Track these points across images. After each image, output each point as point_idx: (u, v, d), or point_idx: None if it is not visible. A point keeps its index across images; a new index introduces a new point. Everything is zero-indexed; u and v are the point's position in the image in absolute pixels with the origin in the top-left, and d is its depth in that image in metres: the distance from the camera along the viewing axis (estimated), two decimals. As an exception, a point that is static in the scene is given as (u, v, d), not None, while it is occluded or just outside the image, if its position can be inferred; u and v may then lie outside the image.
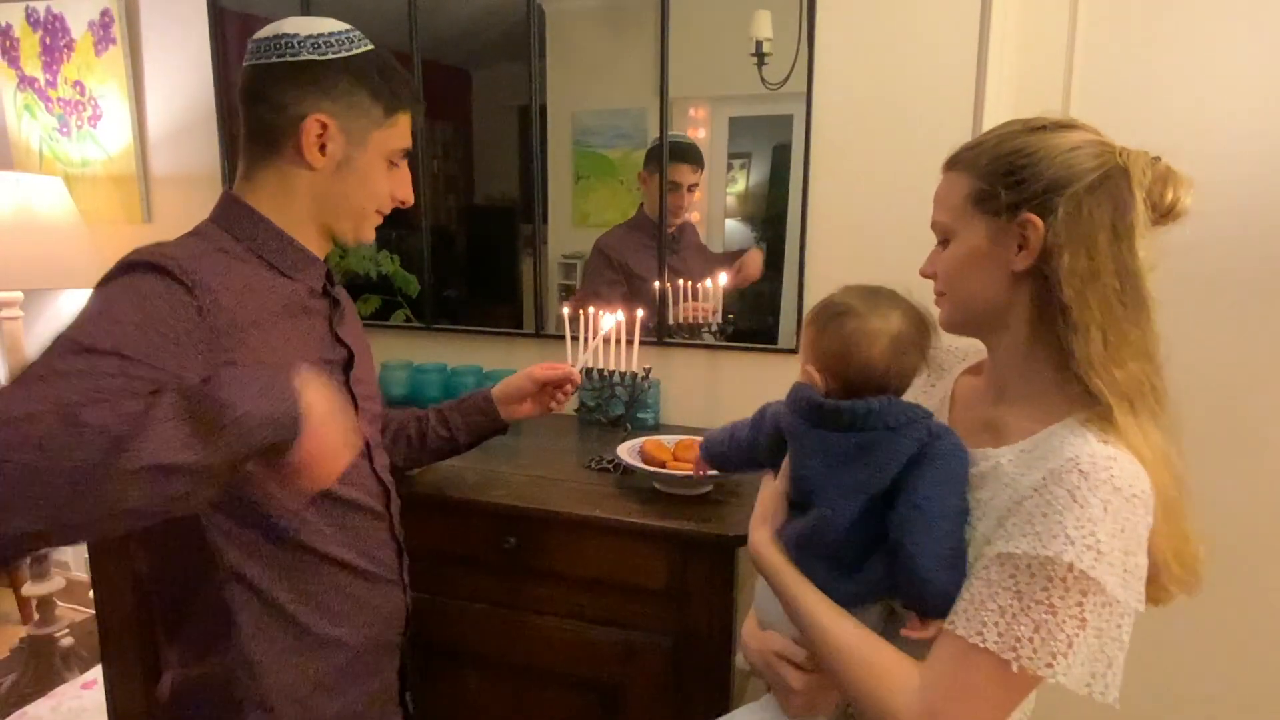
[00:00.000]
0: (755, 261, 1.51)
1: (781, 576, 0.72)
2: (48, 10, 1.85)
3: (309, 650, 0.81)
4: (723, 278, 1.51)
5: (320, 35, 0.78)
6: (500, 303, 1.72)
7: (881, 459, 0.67)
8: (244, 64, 0.80)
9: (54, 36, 1.87)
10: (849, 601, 0.67)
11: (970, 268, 0.68)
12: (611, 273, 1.60)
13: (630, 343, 1.32)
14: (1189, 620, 1.36)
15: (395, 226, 1.75)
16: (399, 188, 0.86)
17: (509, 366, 1.65)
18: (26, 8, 1.86)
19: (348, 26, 0.81)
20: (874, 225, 1.39)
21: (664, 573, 1.11)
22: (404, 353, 1.73)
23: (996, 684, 0.59)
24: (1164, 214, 0.65)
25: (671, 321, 1.56)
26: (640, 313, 1.31)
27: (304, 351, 0.81)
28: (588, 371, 1.36)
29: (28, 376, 0.58)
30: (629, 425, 1.47)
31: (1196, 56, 1.27)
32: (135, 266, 0.69)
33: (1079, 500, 0.58)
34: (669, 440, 1.25)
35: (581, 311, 1.33)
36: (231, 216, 0.80)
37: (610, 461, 1.29)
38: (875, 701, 0.63)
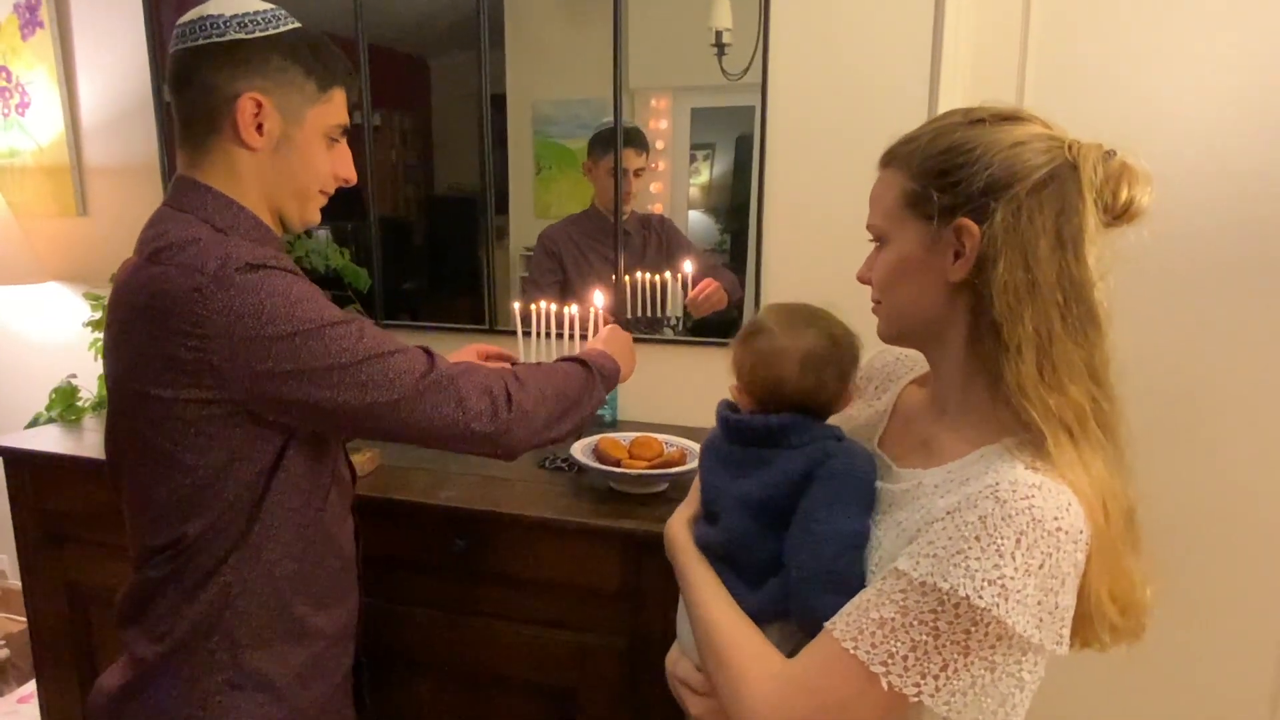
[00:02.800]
0: (718, 296, 1.50)
1: (681, 553, 0.73)
2: (-31, -11, 1.76)
3: (293, 639, 0.82)
4: (687, 265, 1.50)
5: (246, 14, 0.78)
6: (462, 297, 1.68)
7: (774, 474, 0.67)
8: (170, 50, 0.79)
9: (-24, 16, 1.78)
10: (752, 617, 0.66)
11: (904, 276, 0.64)
12: (549, 263, 1.57)
13: (585, 338, 1.29)
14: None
15: (348, 218, 1.69)
16: (341, 166, 0.85)
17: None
18: (-54, -14, 1.76)
19: (272, 5, 0.80)
20: (830, 217, 1.38)
21: (618, 574, 1.09)
22: (356, 350, 1.68)
23: (857, 694, 0.56)
24: (1117, 215, 0.59)
25: (629, 316, 1.53)
26: (599, 305, 1.28)
27: None
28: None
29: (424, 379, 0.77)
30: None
31: (1152, 41, 1.28)
32: (254, 268, 0.73)
33: (989, 529, 0.53)
34: (624, 438, 1.23)
35: (534, 307, 1.30)
36: (204, 203, 0.78)
37: (564, 460, 1.27)
38: (728, 681, 0.61)
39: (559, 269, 1.58)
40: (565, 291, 1.56)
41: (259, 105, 0.77)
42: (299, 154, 0.80)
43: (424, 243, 1.71)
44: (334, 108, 0.82)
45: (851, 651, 0.56)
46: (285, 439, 0.78)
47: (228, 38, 0.76)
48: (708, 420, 0.75)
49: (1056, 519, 0.53)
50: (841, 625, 0.57)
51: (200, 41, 0.76)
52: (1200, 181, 1.28)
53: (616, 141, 1.48)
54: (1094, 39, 1.30)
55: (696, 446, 1.21)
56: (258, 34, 0.77)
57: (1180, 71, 1.27)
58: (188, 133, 0.79)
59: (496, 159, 1.57)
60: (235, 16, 0.77)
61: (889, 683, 0.54)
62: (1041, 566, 0.53)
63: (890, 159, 0.66)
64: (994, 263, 0.58)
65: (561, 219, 1.58)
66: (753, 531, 0.67)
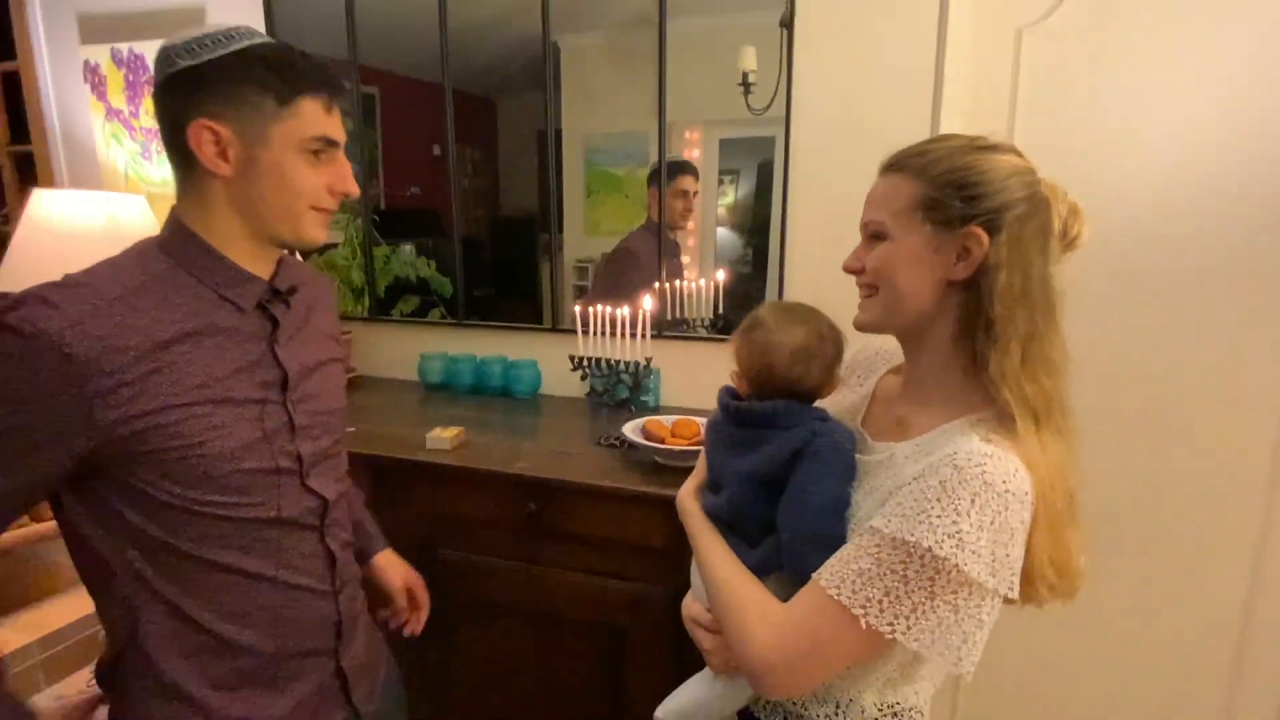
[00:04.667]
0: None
1: (692, 520, 0.80)
2: (130, 50, 2.03)
3: (209, 651, 0.75)
4: (720, 274, 1.65)
5: (193, 39, 0.72)
6: (523, 301, 1.89)
7: (770, 451, 0.73)
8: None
9: (135, 73, 2.03)
10: (753, 570, 0.72)
11: (906, 270, 0.69)
12: (632, 261, 1.72)
13: (634, 335, 1.49)
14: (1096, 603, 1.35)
15: (429, 235, 1.95)
16: (336, 180, 0.77)
17: (530, 355, 1.81)
18: (112, 49, 2.04)
19: (231, 25, 0.73)
20: (844, 232, 1.46)
21: (664, 533, 1.21)
22: (440, 345, 1.93)
23: (842, 634, 0.62)
24: (1069, 244, 0.68)
25: (669, 317, 1.71)
26: (649, 306, 1.46)
27: (232, 376, 0.75)
28: (596, 361, 1.54)
29: None
30: (633, 407, 1.58)
31: (1129, 76, 1.35)
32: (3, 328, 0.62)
33: (948, 491, 0.59)
34: (668, 420, 1.35)
35: (591, 308, 1.51)
36: (169, 234, 0.76)
37: (617, 438, 1.39)
38: (735, 627, 0.67)
39: (642, 274, 1.71)
40: (620, 293, 1.70)
41: (215, 131, 0.70)
42: (270, 175, 0.73)
43: (491, 256, 1.92)
44: (303, 121, 0.73)
45: (835, 597, 0.62)
46: (100, 480, 0.69)
47: (177, 66, 0.71)
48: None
49: (1005, 482, 0.59)
50: (826, 575, 0.64)
51: (160, 78, 0.72)
52: (1173, 192, 1.34)
53: (661, 167, 1.67)
54: (1076, 77, 1.38)
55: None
56: (205, 57, 0.71)
57: (1158, 98, 1.34)
58: (172, 168, 0.76)
59: (554, 184, 1.77)
60: (184, 44, 0.71)
61: (867, 623, 0.61)
62: (993, 523, 0.59)
63: (900, 166, 0.70)
64: (998, 268, 0.65)
65: (635, 230, 1.73)
66: (752, 500, 0.73)
